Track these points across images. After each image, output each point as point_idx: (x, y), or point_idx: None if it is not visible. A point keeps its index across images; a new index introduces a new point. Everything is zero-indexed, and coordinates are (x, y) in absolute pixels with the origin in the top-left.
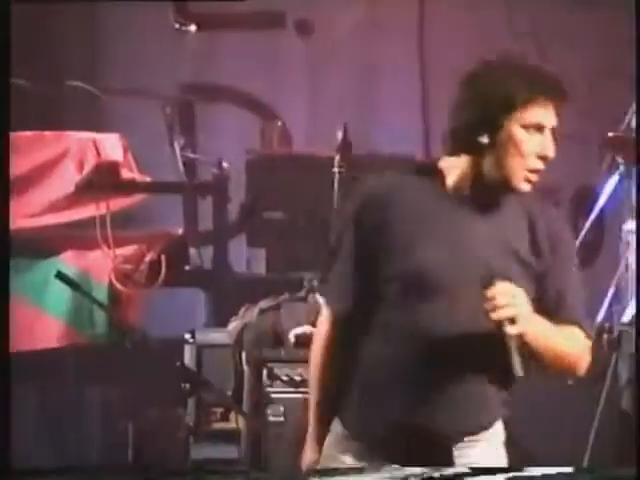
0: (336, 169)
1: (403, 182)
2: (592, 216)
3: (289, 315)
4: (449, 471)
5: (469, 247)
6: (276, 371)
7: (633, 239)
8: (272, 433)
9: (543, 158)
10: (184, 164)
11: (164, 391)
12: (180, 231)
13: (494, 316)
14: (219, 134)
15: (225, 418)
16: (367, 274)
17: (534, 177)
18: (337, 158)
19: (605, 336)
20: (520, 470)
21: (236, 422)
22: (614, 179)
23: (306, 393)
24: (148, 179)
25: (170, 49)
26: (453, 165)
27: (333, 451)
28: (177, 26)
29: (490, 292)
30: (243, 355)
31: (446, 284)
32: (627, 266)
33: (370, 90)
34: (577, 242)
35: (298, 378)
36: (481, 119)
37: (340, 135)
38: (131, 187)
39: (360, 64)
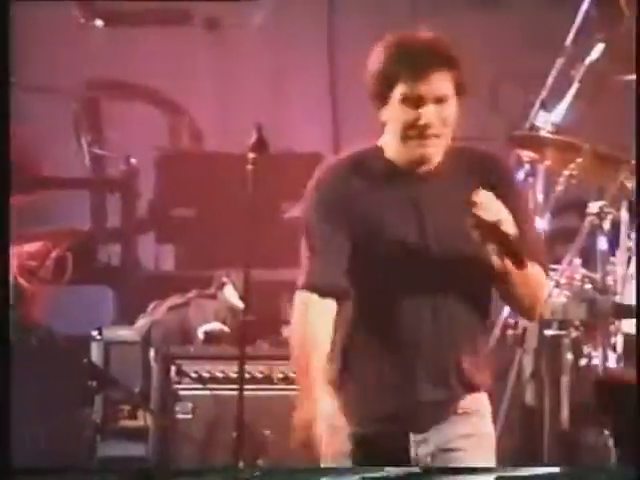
0: (249, 167)
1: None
2: None
3: (198, 312)
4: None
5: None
6: (184, 368)
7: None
8: (180, 430)
9: (431, 126)
10: (91, 160)
11: (71, 389)
12: (87, 228)
13: (482, 216)
14: (127, 130)
15: (133, 416)
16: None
17: (431, 143)
18: (251, 156)
19: (510, 332)
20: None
21: (144, 420)
22: (520, 177)
23: (214, 390)
24: (55, 175)
25: (77, 45)
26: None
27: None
28: (83, 21)
29: (473, 199)
30: (151, 352)
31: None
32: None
33: (280, 88)
34: None
35: (207, 375)
36: (373, 97)
37: (254, 134)
38: (37, 183)
39: (270, 62)
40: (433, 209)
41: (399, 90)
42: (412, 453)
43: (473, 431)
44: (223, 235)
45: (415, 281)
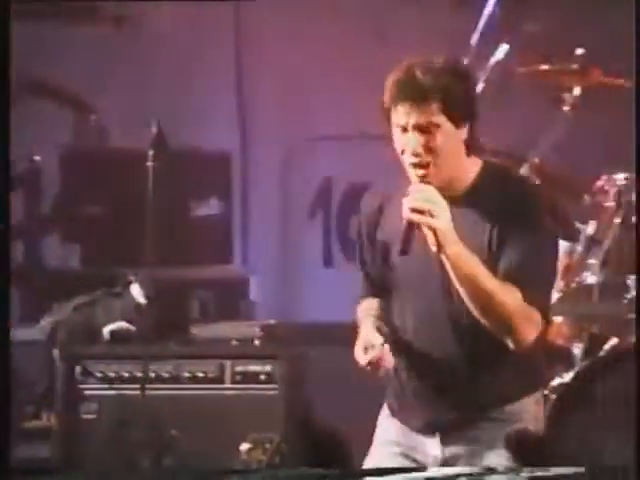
0: (149, 164)
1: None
2: None
3: (104, 311)
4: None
5: None
6: (90, 368)
7: None
8: (85, 431)
9: (415, 154)
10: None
11: None
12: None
13: (411, 213)
14: (31, 128)
15: (36, 416)
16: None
17: (419, 172)
18: (150, 153)
19: None
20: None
21: (48, 420)
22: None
23: (121, 390)
24: None
25: None
26: None
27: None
28: None
29: (411, 194)
30: (56, 352)
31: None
32: None
33: (187, 86)
34: None
35: (112, 374)
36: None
37: (154, 130)
38: None
39: (177, 60)
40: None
41: (393, 118)
42: (437, 452)
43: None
44: (129, 233)
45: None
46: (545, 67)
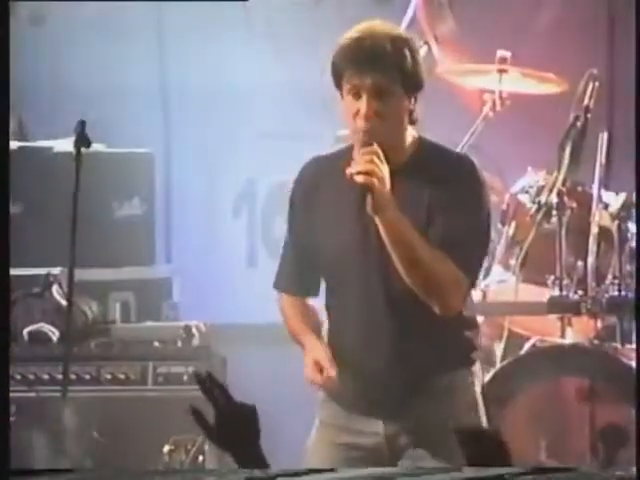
0: (73, 163)
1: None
2: None
3: (23, 312)
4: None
5: None
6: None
7: None
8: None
9: (367, 118)
10: None
11: None
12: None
13: (356, 176)
14: None
15: None
16: (307, 256)
17: (367, 137)
18: (73, 152)
19: None
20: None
21: None
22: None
23: (40, 392)
24: None
25: None
26: None
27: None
28: None
29: (360, 152)
30: None
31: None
32: None
33: (109, 85)
34: None
35: (32, 377)
36: (335, 86)
37: (77, 129)
38: None
39: (99, 58)
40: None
41: (345, 82)
42: (381, 430)
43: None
44: (50, 233)
45: (364, 280)
46: (466, 66)
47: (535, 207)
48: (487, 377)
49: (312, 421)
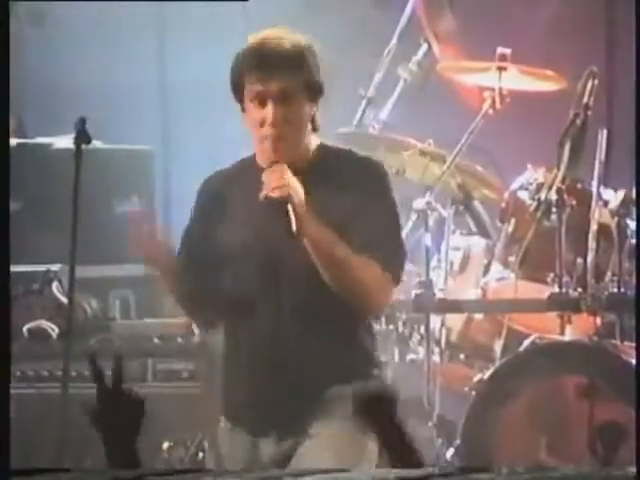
0: (73, 160)
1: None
2: None
3: (23, 309)
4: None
5: None
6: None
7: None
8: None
9: (274, 125)
10: None
11: None
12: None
13: (271, 193)
14: None
15: None
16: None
17: (274, 145)
18: (74, 149)
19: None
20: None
21: None
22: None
23: (40, 389)
24: None
25: None
26: None
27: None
28: None
29: (265, 172)
30: None
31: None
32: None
33: (109, 82)
34: None
35: (32, 373)
36: (236, 99)
37: (77, 126)
38: None
39: (100, 56)
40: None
41: (248, 89)
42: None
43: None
44: (49, 230)
45: (272, 288)
46: (466, 64)
47: (534, 204)
48: (487, 374)
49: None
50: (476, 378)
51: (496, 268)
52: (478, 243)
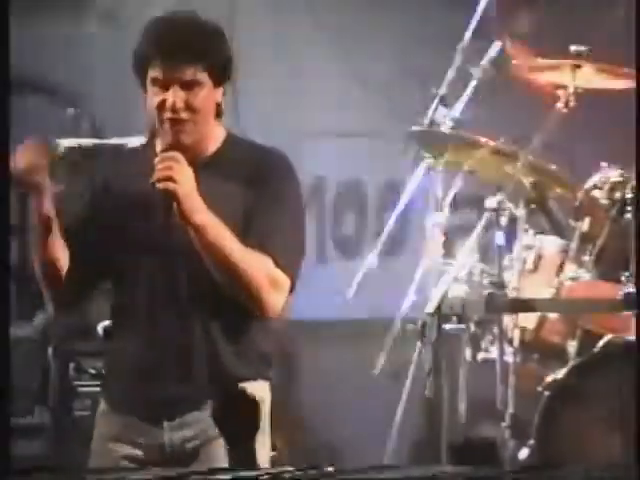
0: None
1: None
2: (397, 210)
3: (97, 307)
4: None
5: None
6: (84, 364)
7: (437, 232)
8: (79, 427)
9: (174, 110)
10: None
11: None
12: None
13: (157, 183)
14: (24, 124)
15: (30, 413)
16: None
17: (175, 129)
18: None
19: (410, 326)
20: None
21: (41, 417)
22: (419, 173)
23: None
24: None
25: None
26: None
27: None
28: None
29: (157, 159)
30: (50, 349)
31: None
32: (431, 258)
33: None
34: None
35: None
36: (139, 80)
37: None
38: None
39: None
40: None
41: (150, 72)
42: (166, 439)
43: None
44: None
45: (164, 274)
46: (539, 62)
47: (609, 203)
48: (560, 374)
49: (382, 416)
50: (549, 378)
51: (570, 267)
52: (552, 242)
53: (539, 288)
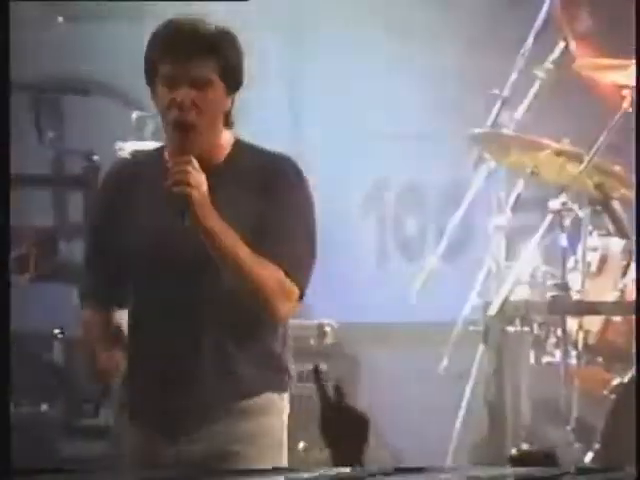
0: None
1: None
2: (460, 212)
3: None
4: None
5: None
6: None
7: (500, 234)
8: None
9: (183, 108)
10: (53, 157)
11: (32, 387)
12: (49, 225)
13: (172, 187)
14: (89, 127)
15: (95, 414)
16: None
17: (183, 133)
18: None
19: (472, 328)
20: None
21: (106, 418)
22: (482, 175)
23: None
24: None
25: (38, 41)
26: None
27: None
28: (43, 16)
29: (172, 163)
30: None
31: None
32: (494, 260)
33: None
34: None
35: None
36: (147, 81)
37: None
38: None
39: None
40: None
41: (160, 70)
42: (181, 452)
43: (257, 431)
44: None
45: (181, 286)
46: (604, 62)
47: None
48: (626, 378)
49: (444, 417)
50: (615, 381)
51: (634, 268)
52: (616, 244)
53: (603, 290)
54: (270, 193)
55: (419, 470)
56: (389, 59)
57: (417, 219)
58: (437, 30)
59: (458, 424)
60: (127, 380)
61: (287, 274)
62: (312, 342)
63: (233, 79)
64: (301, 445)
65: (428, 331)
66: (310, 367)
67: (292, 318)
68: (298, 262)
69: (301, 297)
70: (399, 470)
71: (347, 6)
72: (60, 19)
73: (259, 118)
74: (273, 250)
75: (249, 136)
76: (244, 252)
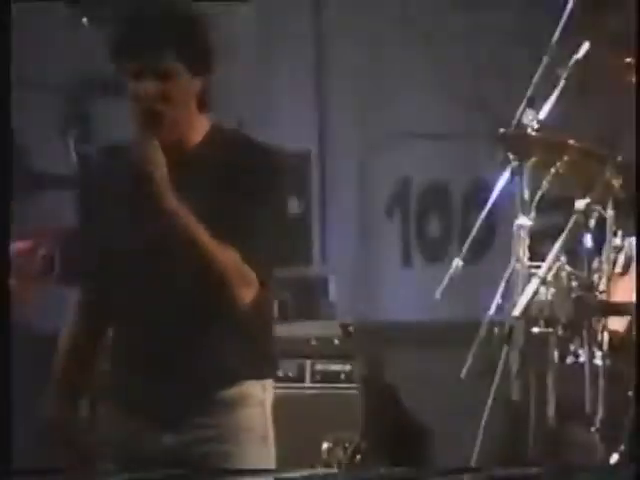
0: None
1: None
2: (484, 212)
3: None
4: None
5: None
6: None
7: (524, 234)
8: None
9: (148, 100)
10: (79, 158)
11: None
12: (75, 225)
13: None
14: (117, 128)
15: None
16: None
17: (151, 123)
18: None
19: (496, 330)
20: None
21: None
22: (506, 175)
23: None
24: (43, 172)
25: (64, 43)
26: None
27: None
28: (70, 17)
29: (132, 143)
30: None
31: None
32: (518, 261)
33: (265, 84)
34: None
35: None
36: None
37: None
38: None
39: (256, 58)
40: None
41: (127, 63)
42: (170, 443)
43: (238, 423)
44: None
45: (155, 280)
46: (629, 61)
47: None
48: None
49: (468, 418)
50: None
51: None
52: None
53: (628, 290)
54: (238, 179)
55: (443, 473)
56: (416, 58)
57: (441, 219)
58: (465, 30)
59: (483, 424)
60: (110, 371)
61: (244, 260)
62: (336, 342)
63: (198, 62)
64: (325, 446)
65: (453, 331)
66: (335, 367)
67: (315, 318)
68: (255, 249)
69: (262, 285)
70: (420, 471)
71: (374, 6)
72: (85, 21)
73: (284, 117)
74: (231, 236)
75: (275, 136)
76: (203, 236)
